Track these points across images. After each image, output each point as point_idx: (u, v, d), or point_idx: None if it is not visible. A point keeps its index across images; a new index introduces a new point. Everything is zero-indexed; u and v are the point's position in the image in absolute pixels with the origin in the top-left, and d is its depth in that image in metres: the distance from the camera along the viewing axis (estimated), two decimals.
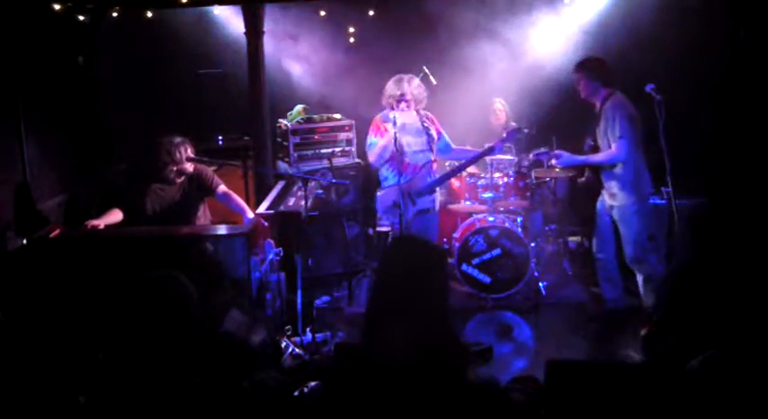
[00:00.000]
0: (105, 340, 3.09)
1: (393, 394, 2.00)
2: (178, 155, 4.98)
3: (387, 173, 5.41)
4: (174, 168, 5.01)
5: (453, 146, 5.63)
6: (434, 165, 5.44)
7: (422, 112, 5.40)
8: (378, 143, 5.29)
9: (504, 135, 5.70)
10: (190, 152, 5.05)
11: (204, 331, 2.87)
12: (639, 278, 5.22)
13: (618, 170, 5.05)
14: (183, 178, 5.11)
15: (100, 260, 4.31)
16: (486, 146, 5.60)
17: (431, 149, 5.35)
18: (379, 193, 5.46)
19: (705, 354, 2.05)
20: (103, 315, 3.46)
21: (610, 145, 5.01)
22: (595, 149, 5.32)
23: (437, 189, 5.50)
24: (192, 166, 5.11)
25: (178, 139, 5.01)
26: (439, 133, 5.45)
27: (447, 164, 6.16)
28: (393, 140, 5.13)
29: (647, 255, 5.08)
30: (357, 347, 2.17)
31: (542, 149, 5.91)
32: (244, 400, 2.81)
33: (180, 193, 5.11)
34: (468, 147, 5.94)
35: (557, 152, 5.38)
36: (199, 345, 2.71)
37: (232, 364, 2.89)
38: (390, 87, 5.30)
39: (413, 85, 5.29)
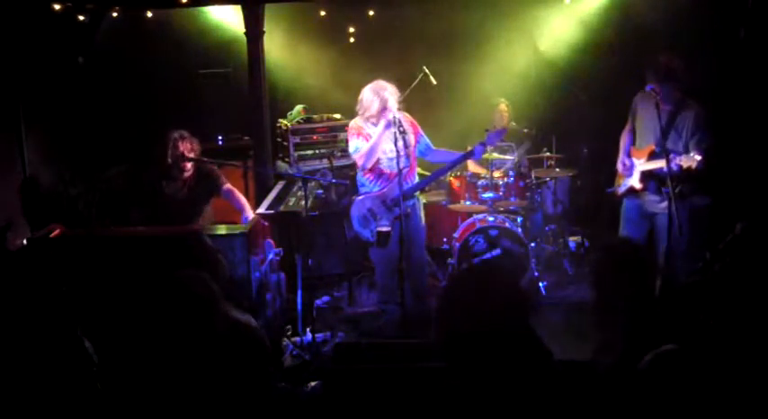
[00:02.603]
0: (113, 339, 3.09)
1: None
2: (177, 150, 4.98)
3: (363, 180, 5.13)
4: (175, 164, 5.02)
5: (434, 148, 5.28)
6: (412, 171, 5.13)
7: (397, 116, 4.91)
8: (366, 145, 4.95)
9: (486, 138, 5.21)
10: (192, 148, 5.04)
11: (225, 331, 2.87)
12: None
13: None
14: (187, 176, 5.11)
15: (100, 260, 4.31)
16: (468, 149, 5.31)
17: (406, 155, 4.97)
18: (354, 199, 5.17)
19: (656, 351, 2.04)
20: (105, 314, 3.47)
21: (688, 150, 4.71)
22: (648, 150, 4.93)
23: (415, 195, 5.17)
24: (191, 165, 5.10)
25: (182, 135, 5.02)
26: (418, 136, 5.17)
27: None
28: (380, 142, 4.90)
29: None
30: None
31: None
32: (254, 403, 2.80)
33: (187, 193, 5.12)
34: (452, 150, 5.62)
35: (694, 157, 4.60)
36: (219, 345, 2.71)
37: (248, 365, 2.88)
38: (383, 97, 4.89)
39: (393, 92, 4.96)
